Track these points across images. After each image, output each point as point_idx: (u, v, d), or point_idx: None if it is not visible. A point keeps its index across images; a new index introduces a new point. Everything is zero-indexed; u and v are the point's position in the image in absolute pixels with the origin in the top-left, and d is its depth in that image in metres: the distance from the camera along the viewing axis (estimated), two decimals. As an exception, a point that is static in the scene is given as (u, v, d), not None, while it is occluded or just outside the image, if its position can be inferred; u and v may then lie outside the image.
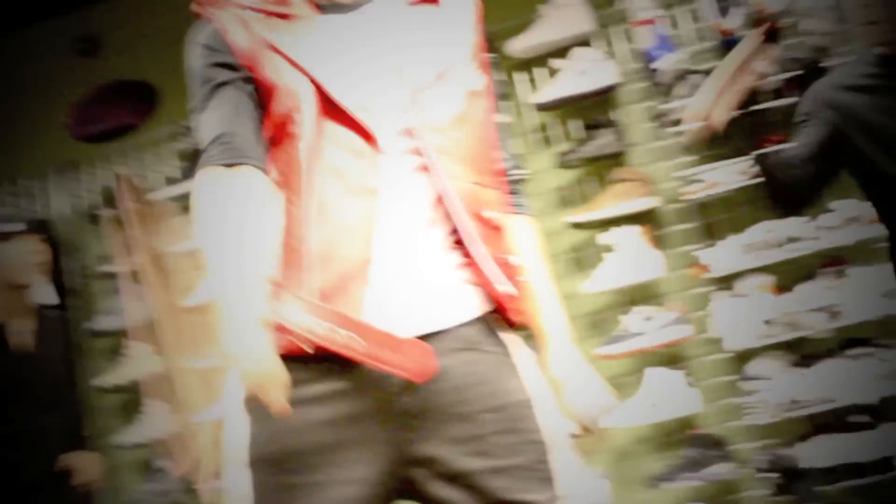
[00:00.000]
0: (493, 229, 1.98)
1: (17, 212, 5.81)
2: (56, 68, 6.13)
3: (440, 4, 2.06)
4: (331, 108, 1.87)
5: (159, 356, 5.30)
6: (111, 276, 5.64)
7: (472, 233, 1.89)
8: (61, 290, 5.66)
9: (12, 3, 5.74)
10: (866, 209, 4.36)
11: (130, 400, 5.67)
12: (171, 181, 5.60)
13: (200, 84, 1.99)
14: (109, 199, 5.81)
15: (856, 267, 4.50)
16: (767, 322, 4.48)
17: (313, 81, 1.88)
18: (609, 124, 4.99)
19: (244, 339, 1.70)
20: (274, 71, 1.91)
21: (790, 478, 4.37)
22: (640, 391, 4.69)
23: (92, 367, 5.69)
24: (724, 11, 4.78)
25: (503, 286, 1.93)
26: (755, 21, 4.70)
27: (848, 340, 4.48)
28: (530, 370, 1.97)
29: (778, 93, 4.55)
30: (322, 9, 1.98)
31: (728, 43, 4.75)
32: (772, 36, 4.72)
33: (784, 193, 3.59)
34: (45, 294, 5.35)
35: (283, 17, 1.96)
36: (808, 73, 4.51)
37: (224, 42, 1.95)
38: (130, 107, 5.99)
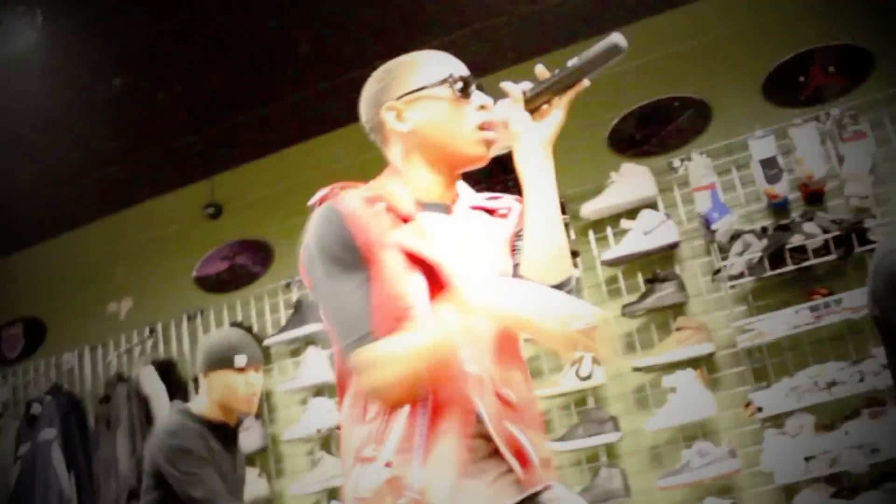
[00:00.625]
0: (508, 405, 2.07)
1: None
2: (187, 229, 6.73)
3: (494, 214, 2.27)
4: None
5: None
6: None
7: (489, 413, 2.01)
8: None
9: (151, 173, 6.43)
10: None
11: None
12: (281, 328, 5.96)
13: (329, 261, 2.02)
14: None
15: (894, 407, 4.63)
16: (810, 458, 4.63)
17: (440, 274, 2.01)
18: (670, 278, 5.26)
19: None
20: (394, 268, 1.99)
21: None
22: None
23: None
24: (773, 178, 5.07)
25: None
26: (801, 185, 5.10)
27: (883, 474, 4.60)
28: None
29: (823, 250, 4.87)
30: (425, 207, 2.13)
31: (776, 205, 5.18)
32: (816, 199, 5.10)
33: None
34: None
35: (405, 219, 2.06)
36: (849, 232, 4.81)
37: (349, 230, 2.00)
38: (249, 259, 6.51)
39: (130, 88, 5.43)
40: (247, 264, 6.51)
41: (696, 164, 5.30)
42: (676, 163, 5.46)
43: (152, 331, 6.49)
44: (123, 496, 5.74)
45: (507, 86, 2.08)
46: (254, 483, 5.65)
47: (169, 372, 6.21)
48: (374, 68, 2.27)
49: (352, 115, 2.32)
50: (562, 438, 5.16)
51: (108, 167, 6.21)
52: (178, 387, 6.19)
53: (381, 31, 5.28)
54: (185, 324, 6.46)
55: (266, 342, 5.92)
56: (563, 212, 5.20)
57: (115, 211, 6.85)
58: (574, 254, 5.37)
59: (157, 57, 5.35)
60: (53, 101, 5.34)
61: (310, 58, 5.52)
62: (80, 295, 6.87)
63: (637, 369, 5.23)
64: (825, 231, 4.88)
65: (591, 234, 5.60)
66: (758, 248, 5.00)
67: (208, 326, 6.37)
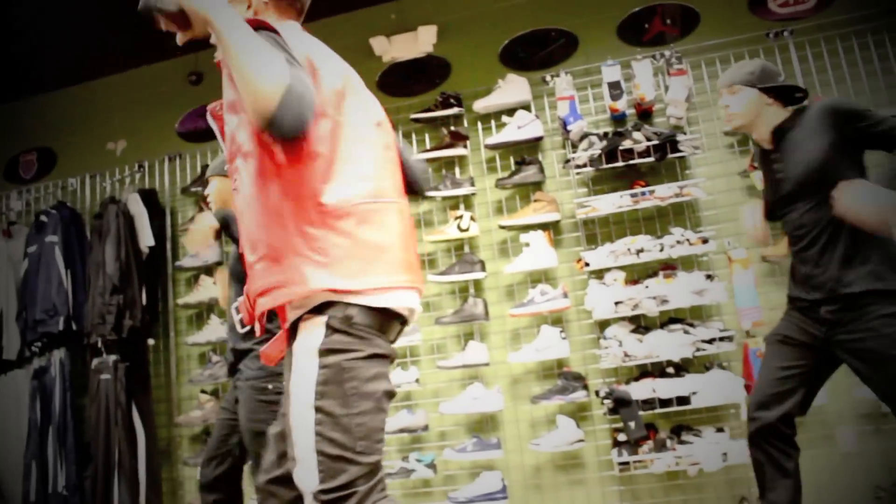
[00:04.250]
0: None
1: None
2: (174, 91, 6.56)
3: None
4: None
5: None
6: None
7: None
8: (163, 237, 6.15)
9: (145, 45, 6.19)
10: (691, 234, 4.87)
11: (199, 314, 6.07)
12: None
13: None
14: (197, 181, 6.14)
15: (681, 272, 4.87)
16: (619, 302, 4.87)
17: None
18: (534, 162, 5.36)
19: None
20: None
21: (623, 404, 4.73)
22: (534, 340, 5.07)
23: (177, 292, 6.17)
24: (616, 97, 5.20)
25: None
26: (636, 104, 5.23)
27: (669, 318, 4.90)
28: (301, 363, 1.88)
29: (645, 153, 5.00)
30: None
31: (616, 117, 5.30)
32: (645, 115, 5.23)
33: None
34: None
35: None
36: (665, 142, 4.97)
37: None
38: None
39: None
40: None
41: (562, 80, 5.32)
42: (547, 78, 5.49)
43: (140, 166, 6.39)
44: (108, 290, 5.73)
45: None
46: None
47: (151, 199, 6.15)
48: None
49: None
50: (442, 273, 5.27)
51: (116, 36, 5.99)
52: (157, 210, 6.17)
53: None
54: (166, 163, 6.37)
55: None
56: (460, 104, 5.30)
57: (120, 71, 6.66)
58: (465, 137, 5.48)
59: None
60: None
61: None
62: (86, 133, 6.72)
63: (502, 227, 5.33)
64: (648, 140, 4.99)
65: (479, 125, 5.63)
66: (599, 147, 5.08)
67: (185, 167, 6.34)
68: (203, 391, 5.71)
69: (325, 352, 1.84)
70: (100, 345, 5.73)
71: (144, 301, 5.89)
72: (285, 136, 1.74)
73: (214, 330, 5.73)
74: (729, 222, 5.05)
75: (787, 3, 5.35)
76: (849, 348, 3.24)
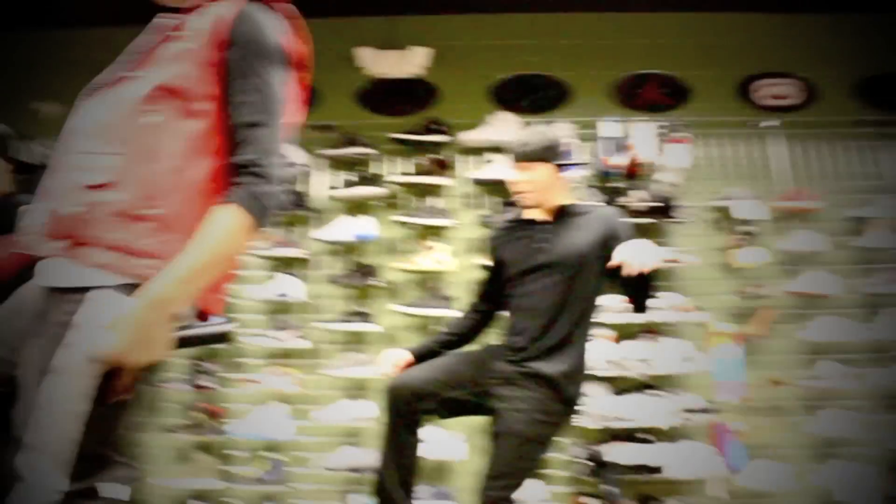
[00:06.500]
0: None
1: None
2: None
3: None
4: None
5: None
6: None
7: None
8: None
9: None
10: (681, 300, 4.72)
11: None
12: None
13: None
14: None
15: (665, 337, 4.75)
16: (611, 361, 4.68)
17: None
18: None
19: None
20: None
21: (607, 468, 4.56)
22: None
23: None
24: (613, 151, 5.07)
25: None
26: (631, 161, 5.07)
27: (644, 384, 4.71)
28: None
29: (638, 214, 4.86)
30: None
31: (606, 173, 5.12)
32: (635, 175, 5.09)
33: None
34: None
35: None
36: (665, 206, 4.89)
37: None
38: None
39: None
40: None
41: (561, 127, 5.03)
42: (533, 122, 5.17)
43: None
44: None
45: None
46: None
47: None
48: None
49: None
50: (410, 304, 4.94)
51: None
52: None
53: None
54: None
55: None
56: (447, 133, 4.96)
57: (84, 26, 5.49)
58: (450, 167, 5.21)
59: None
60: None
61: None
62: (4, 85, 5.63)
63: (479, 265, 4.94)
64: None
65: (469, 158, 5.31)
66: (599, 199, 4.93)
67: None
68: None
69: None
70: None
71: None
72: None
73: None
74: (707, 295, 4.93)
75: (776, 96, 5.41)
76: None
